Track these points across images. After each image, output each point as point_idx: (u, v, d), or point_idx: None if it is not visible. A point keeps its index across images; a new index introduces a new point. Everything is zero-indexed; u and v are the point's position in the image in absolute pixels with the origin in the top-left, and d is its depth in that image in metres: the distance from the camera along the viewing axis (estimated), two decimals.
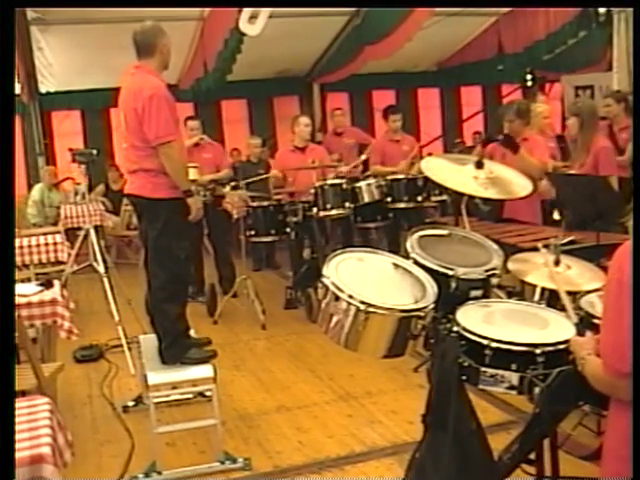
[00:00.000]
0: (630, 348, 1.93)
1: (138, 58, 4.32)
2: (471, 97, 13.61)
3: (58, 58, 9.53)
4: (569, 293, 2.99)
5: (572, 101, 8.42)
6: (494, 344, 2.68)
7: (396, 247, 7.05)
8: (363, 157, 8.43)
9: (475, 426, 2.82)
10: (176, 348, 4.31)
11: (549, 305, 3.13)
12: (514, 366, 2.66)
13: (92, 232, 6.32)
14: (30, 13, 8.33)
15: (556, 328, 2.78)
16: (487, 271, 3.14)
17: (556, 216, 5.48)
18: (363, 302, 2.81)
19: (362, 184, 7.12)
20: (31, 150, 10.83)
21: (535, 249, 3.60)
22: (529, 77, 11.35)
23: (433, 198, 7.14)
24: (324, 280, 2.96)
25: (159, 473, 4.01)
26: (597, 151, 5.28)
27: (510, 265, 3.46)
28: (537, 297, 3.28)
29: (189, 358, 4.28)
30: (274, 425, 4.68)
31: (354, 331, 2.85)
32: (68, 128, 11.19)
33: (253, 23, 7.72)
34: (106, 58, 8.85)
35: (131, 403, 4.99)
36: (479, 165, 3.58)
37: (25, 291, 4.81)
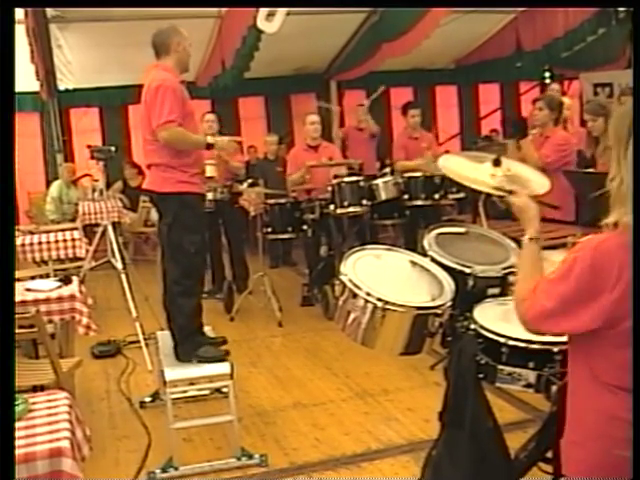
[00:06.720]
0: (556, 318, 2.00)
1: (157, 59, 4.38)
2: (489, 95, 13.56)
3: (77, 56, 9.58)
4: None
5: (597, 102, 8.31)
6: (511, 342, 2.68)
7: (413, 245, 7.02)
8: None
9: (492, 424, 2.82)
10: (188, 344, 4.33)
11: None
12: (531, 364, 2.66)
13: (110, 229, 6.34)
14: (50, 11, 8.40)
15: None
16: (505, 269, 3.13)
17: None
18: (380, 299, 2.81)
19: (379, 181, 7.09)
20: (50, 147, 10.88)
21: (551, 247, 3.58)
22: (547, 74, 11.32)
23: (450, 196, 7.10)
24: (341, 277, 2.96)
25: (176, 468, 4.03)
26: None
27: None
28: None
29: (201, 356, 4.29)
30: (290, 422, 4.69)
31: (371, 328, 2.85)
32: (86, 125, 11.24)
33: (271, 21, 7.73)
34: (124, 56, 8.91)
35: (148, 399, 5.01)
36: (497, 163, 3.56)
37: (44, 287, 4.86)
